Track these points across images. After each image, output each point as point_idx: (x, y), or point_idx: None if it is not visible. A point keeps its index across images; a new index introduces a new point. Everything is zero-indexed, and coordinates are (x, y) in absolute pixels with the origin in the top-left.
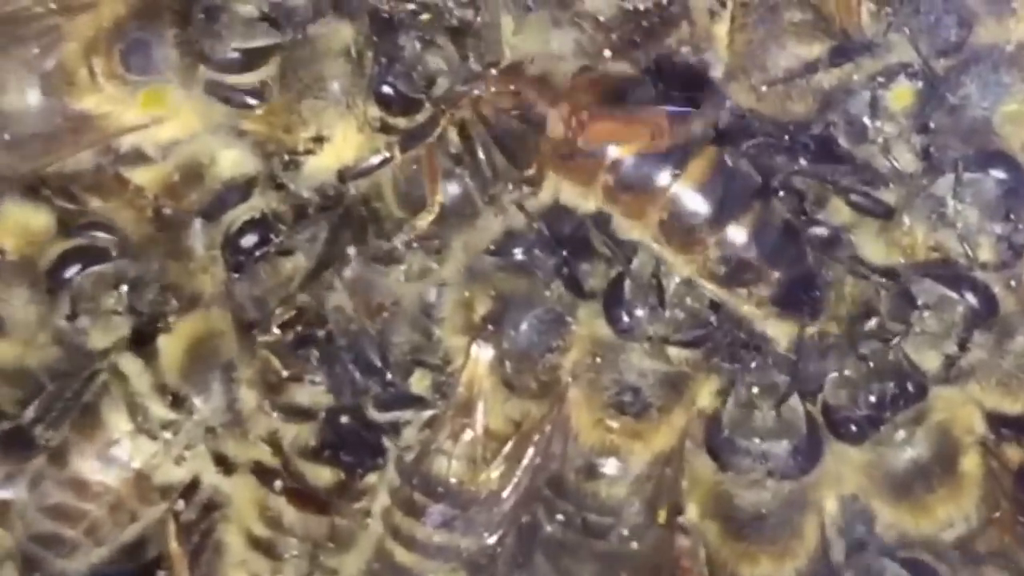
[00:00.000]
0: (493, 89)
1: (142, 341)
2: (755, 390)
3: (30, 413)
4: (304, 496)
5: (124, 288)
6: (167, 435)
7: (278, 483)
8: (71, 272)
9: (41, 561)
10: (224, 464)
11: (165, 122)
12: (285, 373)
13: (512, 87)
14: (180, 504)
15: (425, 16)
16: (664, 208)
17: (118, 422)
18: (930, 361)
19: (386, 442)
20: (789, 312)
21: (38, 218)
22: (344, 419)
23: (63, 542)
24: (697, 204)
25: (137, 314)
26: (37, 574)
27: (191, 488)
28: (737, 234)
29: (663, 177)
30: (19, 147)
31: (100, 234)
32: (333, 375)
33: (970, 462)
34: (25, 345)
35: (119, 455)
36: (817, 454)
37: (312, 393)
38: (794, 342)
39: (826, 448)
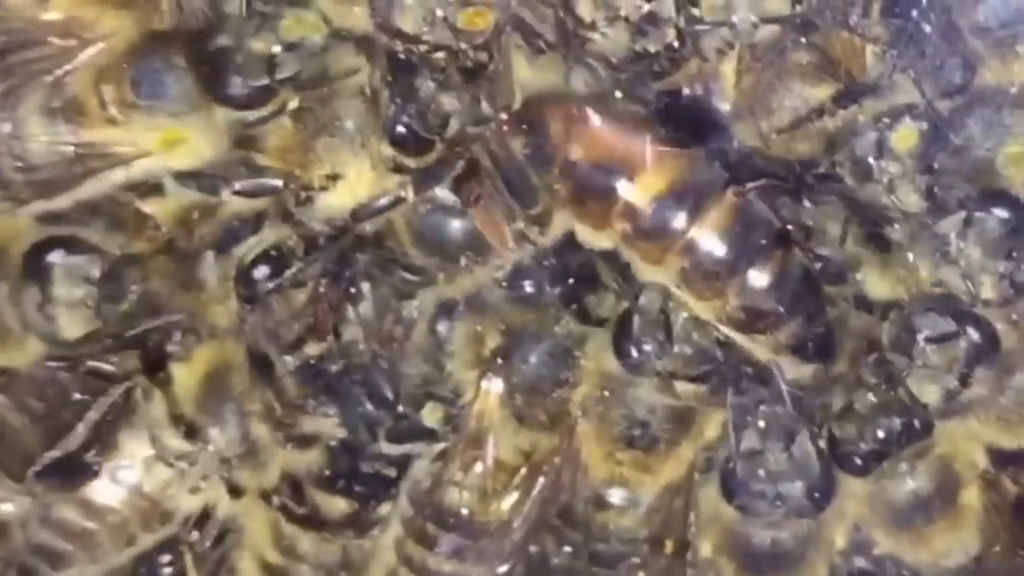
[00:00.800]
0: (504, 126)
1: (154, 369)
2: (761, 425)
3: (77, 440)
4: (308, 520)
5: (95, 281)
6: (183, 465)
7: (276, 500)
8: (50, 257)
9: (36, 572)
10: (238, 493)
11: (178, 151)
12: (283, 409)
13: (520, 122)
14: (195, 535)
15: (440, 58)
16: (683, 254)
17: (135, 447)
18: (930, 395)
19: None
20: (805, 358)
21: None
22: (357, 451)
23: (60, 557)
24: (717, 250)
25: (105, 314)
26: None
27: (204, 518)
28: (758, 280)
29: (681, 223)
30: (33, 177)
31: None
32: (346, 408)
33: (970, 495)
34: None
35: (129, 479)
36: (832, 491)
37: (324, 425)
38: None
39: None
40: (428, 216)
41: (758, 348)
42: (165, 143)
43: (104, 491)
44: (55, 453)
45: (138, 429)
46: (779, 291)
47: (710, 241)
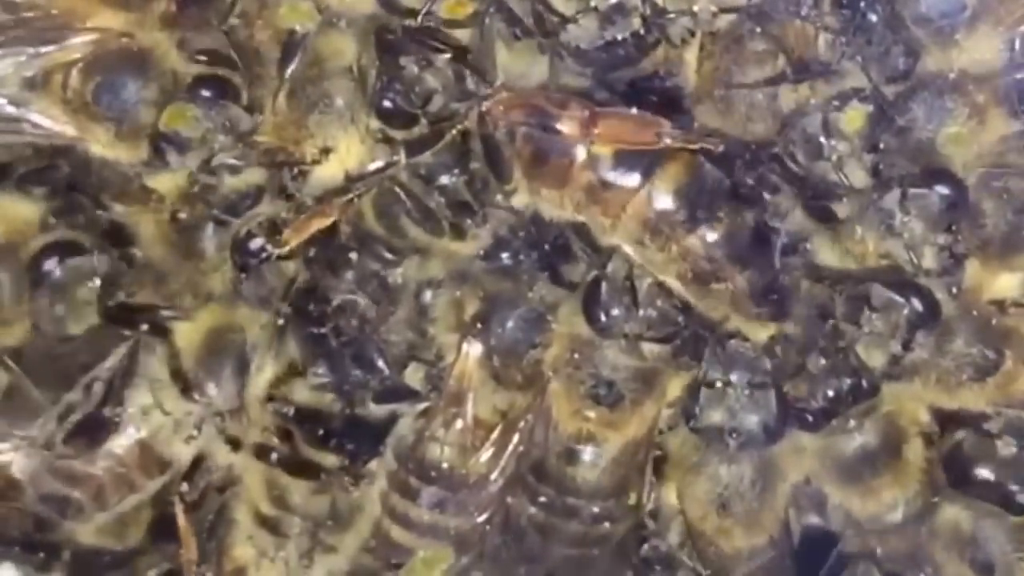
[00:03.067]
0: (502, 104)
1: (156, 330)
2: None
3: (95, 398)
4: (299, 465)
5: (96, 281)
6: (178, 415)
7: (274, 455)
8: (50, 265)
9: (51, 522)
10: (236, 446)
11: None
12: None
13: (521, 101)
14: (184, 487)
15: (425, 39)
16: (641, 208)
17: (135, 396)
18: (876, 359)
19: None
20: (759, 306)
21: (26, 209)
22: (347, 410)
23: (68, 503)
24: (674, 204)
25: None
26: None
27: (194, 468)
28: (712, 232)
29: (639, 177)
30: None
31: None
32: (335, 370)
33: (913, 450)
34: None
35: (128, 428)
36: (783, 426)
37: (314, 386)
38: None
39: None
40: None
41: (715, 302)
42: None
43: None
44: (78, 415)
45: (138, 384)
46: (732, 242)
47: (665, 195)
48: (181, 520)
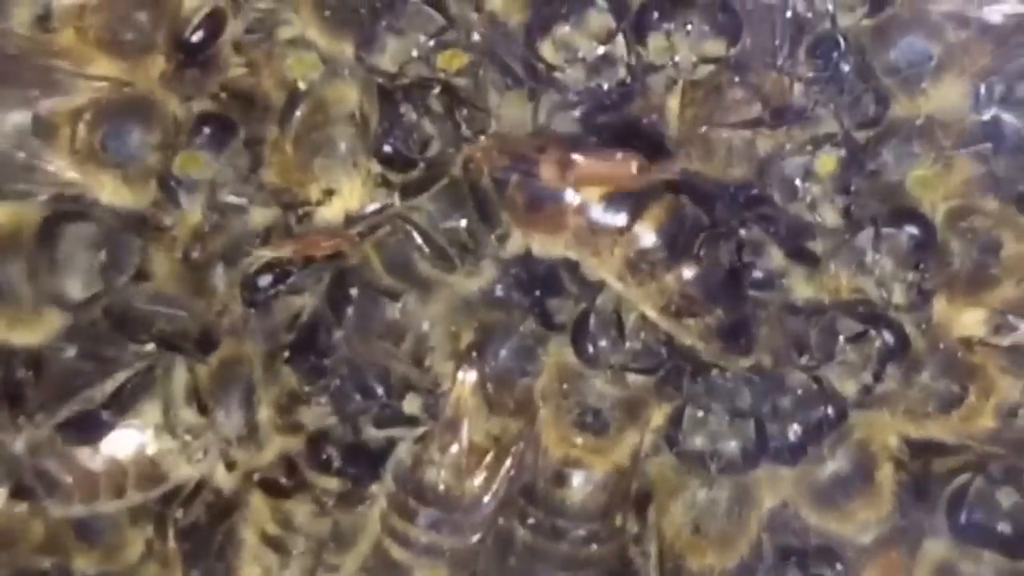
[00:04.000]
0: (484, 151)
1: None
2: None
3: (99, 398)
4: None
5: (103, 251)
6: (187, 437)
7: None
8: (60, 226)
9: (31, 491)
10: (232, 468)
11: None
12: (287, 399)
13: (502, 146)
14: (180, 512)
15: (422, 88)
16: (626, 247)
17: (150, 413)
18: (848, 388)
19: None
20: (727, 341)
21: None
22: (349, 436)
23: (57, 486)
24: (655, 244)
25: (108, 280)
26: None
27: (193, 496)
28: (689, 270)
29: (625, 219)
30: None
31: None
32: (337, 398)
33: (884, 474)
34: (28, 323)
35: (137, 440)
36: (762, 452)
37: (318, 414)
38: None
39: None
40: (396, 246)
41: (688, 334)
42: (110, 192)
43: (114, 444)
44: (76, 407)
45: (152, 401)
46: (706, 281)
47: (649, 235)
48: (171, 544)
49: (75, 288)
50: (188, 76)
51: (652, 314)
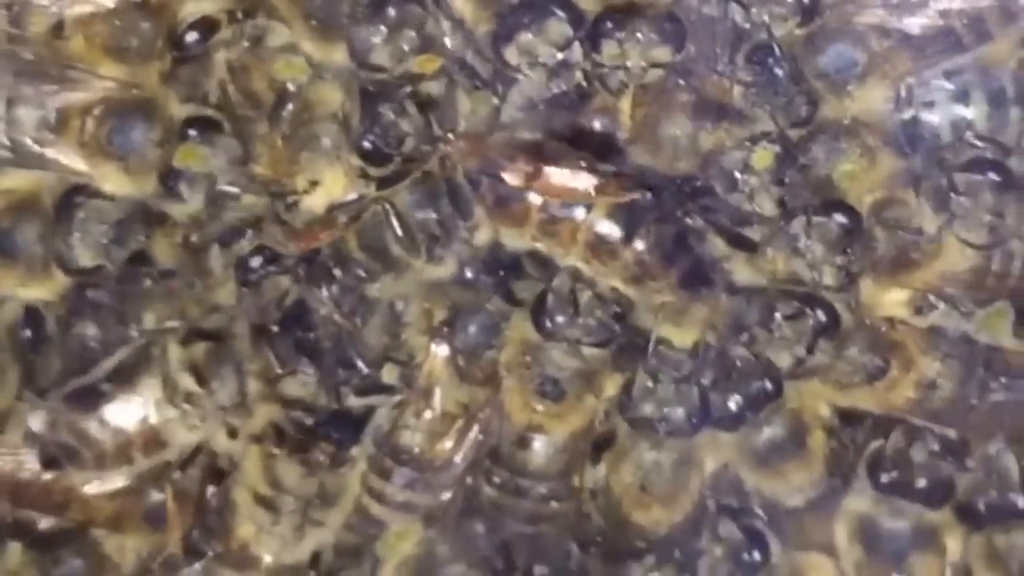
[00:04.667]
0: (461, 150)
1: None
2: (649, 382)
3: (99, 373)
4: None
5: (111, 223)
6: (186, 407)
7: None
8: (76, 199)
9: (56, 460)
10: (234, 435)
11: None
12: (280, 370)
13: (477, 149)
14: (177, 474)
15: (399, 90)
16: (586, 234)
17: (150, 387)
18: (784, 360)
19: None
20: (692, 293)
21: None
22: (332, 404)
23: (75, 455)
24: (610, 228)
25: (112, 254)
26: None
27: (190, 459)
28: (641, 245)
29: (582, 211)
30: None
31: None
32: (321, 369)
33: (816, 440)
34: (39, 280)
35: (140, 412)
36: (705, 419)
37: (303, 383)
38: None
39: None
40: (373, 228)
41: (657, 295)
42: (114, 181)
43: (118, 415)
44: (81, 380)
45: (152, 376)
46: (658, 247)
47: (604, 222)
48: (170, 503)
49: (84, 256)
50: (184, 75)
51: (621, 286)
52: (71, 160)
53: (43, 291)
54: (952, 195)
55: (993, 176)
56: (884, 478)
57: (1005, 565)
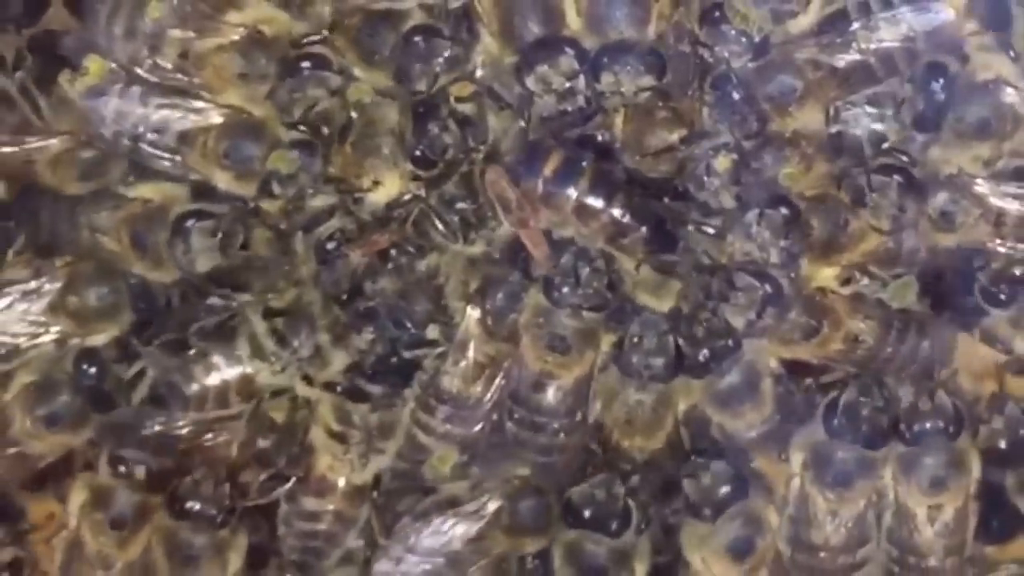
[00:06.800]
0: (490, 179)
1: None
2: (635, 339)
3: (194, 329)
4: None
5: (218, 236)
6: (272, 359)
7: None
8: (189, 223)
9: (164, 402)
10: (309, 381)
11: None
12: (342, 327)
13: (497, 182)
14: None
15: (442, 110)
16: (575, 203)
17: (243, 345)
18: (739, 323)
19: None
20: (659, 248)
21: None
22: (388, 355)
23: (184, 397)
24: (593, 200)
25: (226, 255)
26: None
27: (277, 393)
28: (615, 209)
29: (571, 193)
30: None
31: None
32: (379, 328)
33: (766, 386)
34: (164, 269)
35: (237, 363)
36: (679, 367)
37: (365, 340)
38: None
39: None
40: (419, 221)
41: (631, 252)
42: (224, 183)
43: (219, 367)
44: (168, 336)
45: (243, 337)
46: (630, 211)
47: (588, 196)
48: (260, 440)
49: (202, 264)
50: (284, 90)
51: (602, 244)
52: (195, 166)
53: (165, 276)
54: (867, 192)
55: (898, 179)
56: (836, 423)
57: None
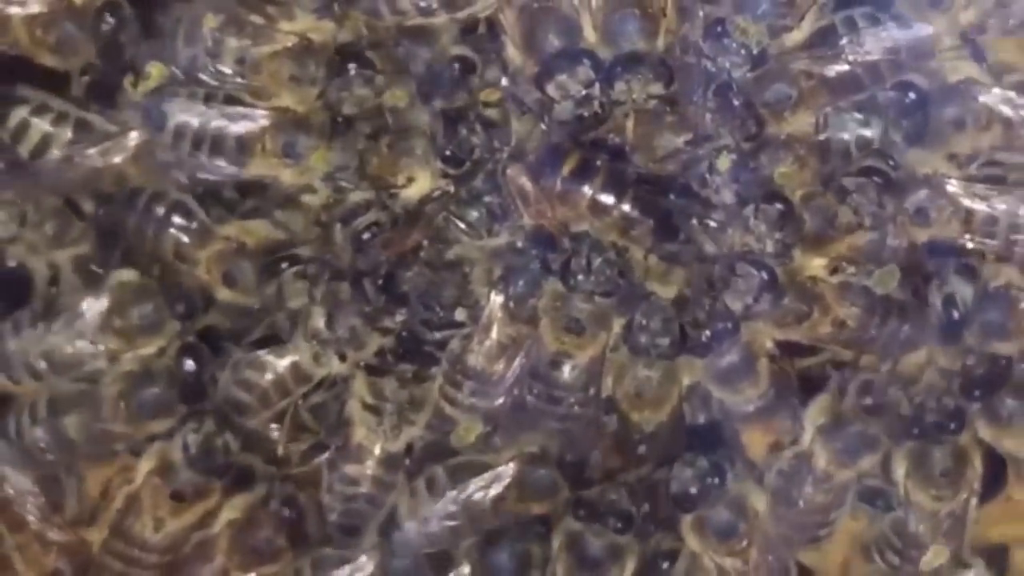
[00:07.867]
0: (513, 179)
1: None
2: (643, 322)
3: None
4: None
5: (304, 280)
6: (317, 349)
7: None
8: (281, 268)
9: (228, 418)
10: (343, 359)
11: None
12: (375, 311)
13: (520, 182)
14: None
15: (470, 114)
16: (590, 200)
17: (297, 339)
18: (738, 307)
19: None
20: (663, 237)
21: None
22: (418, 335)
23: (253, 387)
24: (606, 197)
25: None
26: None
27: (320, 383)
28: (625, 205)
29: (586, 190)
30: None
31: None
32: (410, 311)
33: (762, 365)
34: (243, 296)
35: (291, 356)
36: (684, 347)
37: (398, 321)
38: (674, 297)
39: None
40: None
41: (639, 243)
42: (288, 179)
43: (277, 361)
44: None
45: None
46: (638, 206)
47: (600, 192)
48: (302, 415)
49: (293, 302)
50: (333, 89)
51: (613, 238)
52: (256, 168)
53: (249, 301)
54: (850, 191)
55: (877, 179)
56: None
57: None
